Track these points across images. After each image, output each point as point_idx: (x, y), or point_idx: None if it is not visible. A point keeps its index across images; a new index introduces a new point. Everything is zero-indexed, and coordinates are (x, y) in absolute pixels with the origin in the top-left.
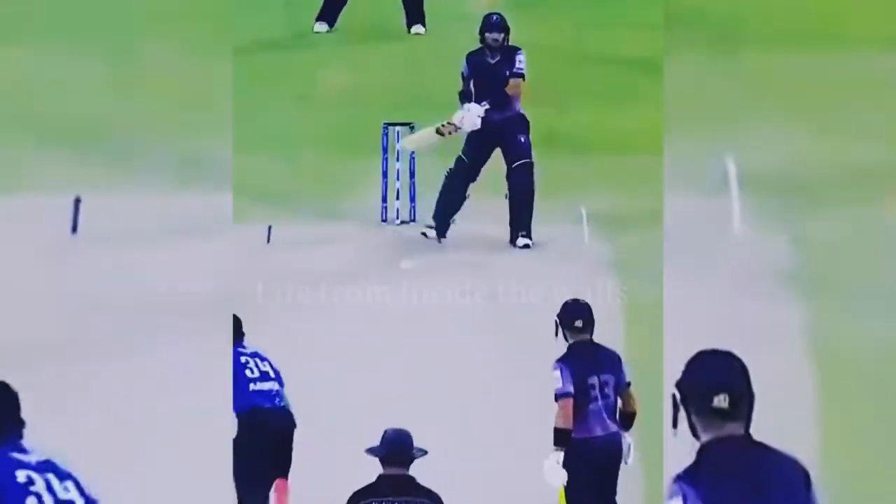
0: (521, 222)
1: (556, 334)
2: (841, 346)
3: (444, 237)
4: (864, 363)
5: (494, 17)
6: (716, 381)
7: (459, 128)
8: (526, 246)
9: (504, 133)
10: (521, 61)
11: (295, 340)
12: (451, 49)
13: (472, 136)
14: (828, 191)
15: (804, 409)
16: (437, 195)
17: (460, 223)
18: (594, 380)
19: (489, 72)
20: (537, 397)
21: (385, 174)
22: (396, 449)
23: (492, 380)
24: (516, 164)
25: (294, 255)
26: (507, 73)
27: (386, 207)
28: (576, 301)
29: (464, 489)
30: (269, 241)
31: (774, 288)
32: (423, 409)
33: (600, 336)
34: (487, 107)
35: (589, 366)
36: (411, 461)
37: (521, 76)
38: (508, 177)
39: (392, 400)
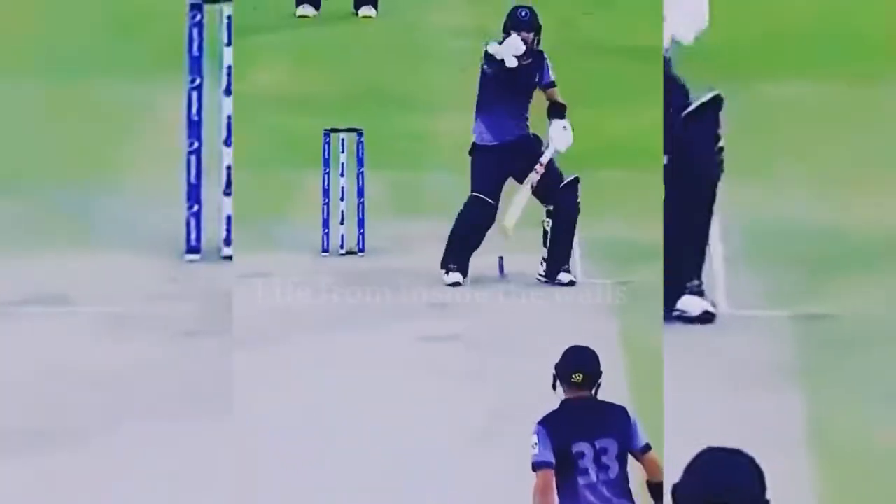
0: (562, 254)
1: (554, 388)
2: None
3: (467, 276)
4: (870, 459)
5: (524, 13)
6: (721, 486)
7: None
8: (571, 283)
9: (524, 153)
10: (550, 68)
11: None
12: (408, 35)
13: (483, 164)
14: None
15: None
16: (391, 218)
17: (415, 255)
18: (583, 447)
19: (511, 77)
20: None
21: (327, 193)
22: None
23: (464, 444)
24: (565, 181)
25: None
26: (537, 80)
27: (328, 234)
28: (577, 349)
29: None
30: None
31: (770, 376)
32: (384, 472)
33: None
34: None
35: (577, 429)
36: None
37: (554, 83)
38: (555, 198)
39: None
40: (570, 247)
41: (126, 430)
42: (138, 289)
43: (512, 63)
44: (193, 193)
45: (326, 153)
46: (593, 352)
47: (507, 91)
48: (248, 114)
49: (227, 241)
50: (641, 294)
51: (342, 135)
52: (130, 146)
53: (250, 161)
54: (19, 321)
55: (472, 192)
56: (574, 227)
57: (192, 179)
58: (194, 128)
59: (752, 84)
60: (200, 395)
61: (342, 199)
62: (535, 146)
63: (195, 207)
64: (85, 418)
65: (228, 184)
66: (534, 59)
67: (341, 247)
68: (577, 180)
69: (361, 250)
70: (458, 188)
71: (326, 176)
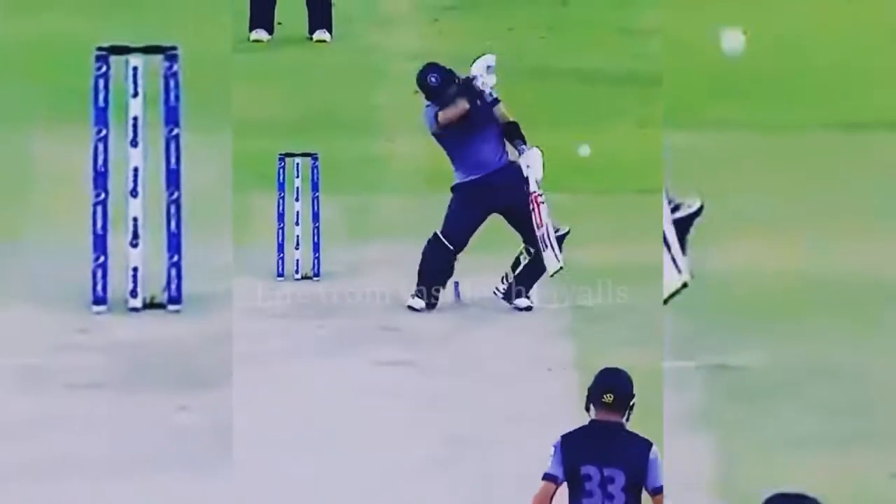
0: (528, 285)
1: (587, 409)
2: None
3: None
4: None
5: (433, 79)
6: None
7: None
8: (529, 308)
9: (505, 188)
10: (483, 83)
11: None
12: (362, 59)
13: (458, 205)
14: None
15: None
16: (347, 242)
17: (370, 279)
18: (591, 470)
19: (481, 109)
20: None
21: (281, 217)
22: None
23: (419, 468)
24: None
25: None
26: (481, 102)
27: (283, 259)
28: (610, 371)
29: None
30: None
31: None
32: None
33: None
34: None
35: (590, 452)
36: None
37: (498, 100)
38: (528, 241)
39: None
40: (536, 282)
41: (35, 480)
42: (46, 340)
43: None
44: (100, 244)
45: (281, 177)
46: (626, 374)
47: (475, 126)
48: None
49: (133, 293)
50: (598, 316)
51: (297, 159)
52: (35, 198)
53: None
54: None
55: (439, 230)
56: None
57: (99, 230)
58: (100, 179)
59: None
60: (128, 444)
61: (297, 224)
62: (518, 173)
63: (101, 259)
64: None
65: (135, 235)
66: (460, 89)
67: (296, 271)
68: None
69: (317, 275)
70: (412, 211)
71: (281, 200)
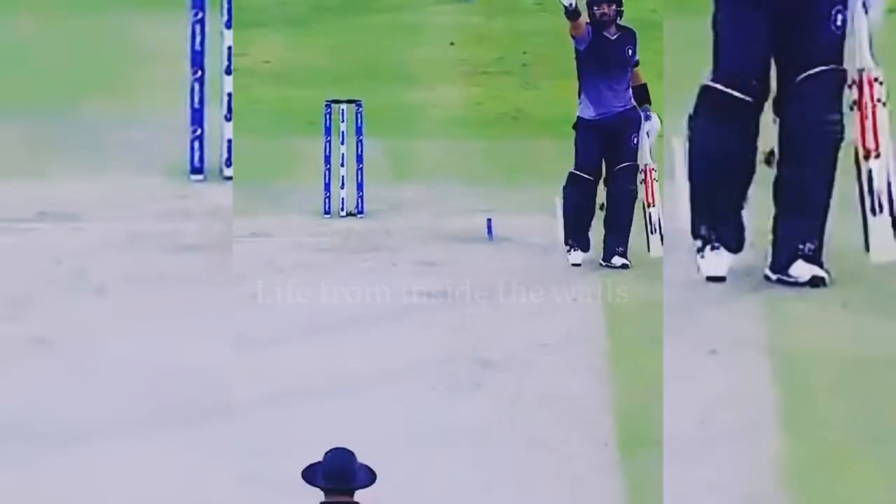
0: (619, 236)
1: None
2: None
3: (589, 251)
4: None
5: None
6: None
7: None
8: (625, 266)
9: (618, 131)
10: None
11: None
12: (402, 15)
13: (583, 140)
14: None
15: None
16: (388, 182)
17: (409, 217)
18: None
19: (609, 50)
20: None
21: (328, 159)
22: (337, 477)
23: (448, 387)
24: (619, 166)
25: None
26: (631, 56)
27: (329, 197)
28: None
29: None
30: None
31: None
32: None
33: (573, 347)
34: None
35: None
36: (354, 489)
37: (637, 62)
38: (608, 180)
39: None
40: (626, 231)
41: (135, 334)
42: (149, 206)
43: (569, 2)
44: (197, 118)
45: (328, 123)
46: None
47: (602, 66)
48: (251, 87)
49: (228, 163)
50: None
51: (342, 106)
52: (139, 76)
53: (256, 130)
54: (36, 235)
55: (573, 168)
56: (630, 212)
57: (196, 105)
58: (197, 57)
59: None
60: (203, 304)
61: (342, 165)
62: (634, 120)
63: (198, 131)
64: (98, 325)
65: (229, 109)
66: (623, 34)
67: (342, 209)
68: (635, 168)
69: (361, 212)
70: (448, 154)
71: (328, 144)
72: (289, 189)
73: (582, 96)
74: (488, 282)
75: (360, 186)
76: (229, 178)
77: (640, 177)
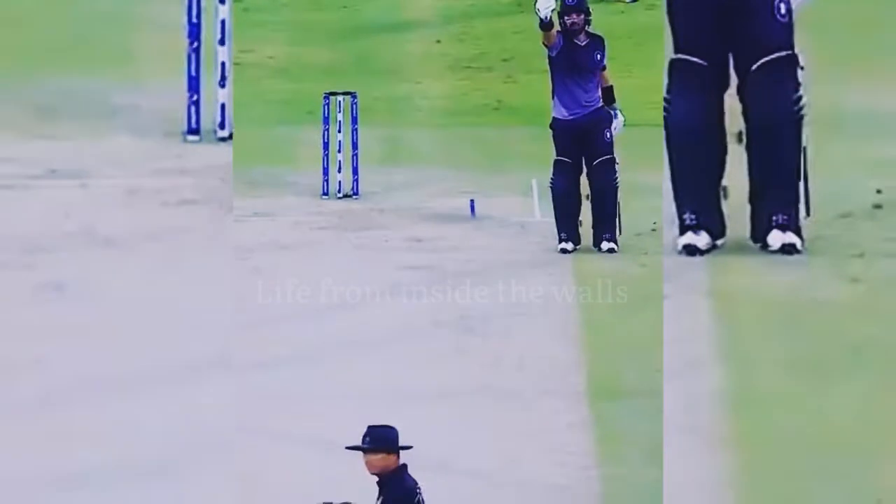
0: (605, 224)
1: None
2: None
3: (579, 243)
4: None
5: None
6: None
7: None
8: (611, 250)
9: (591, 129)
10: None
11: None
12: (391, 13)
13: (560, 137)
14: None
15: None
16: (380, 166)
17: (400, 198)
18: None
19: (579, 57)
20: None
21: (326, 146)
22: (382, 442)
23: (435, 349)
24: (598, 160)
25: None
26: (599, 61)
27: (327, 181)
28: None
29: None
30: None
31: None
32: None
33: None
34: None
35: None
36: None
37: (605, 67)
38: (590, 175)
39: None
40: (612, 219)
41: (140, 280)
42: (148, 164)
43: (543, 16)
44: (193, 84)
45: (326, 113)
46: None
47: (572, 70)
48: (258, 80)
49: (222, 125)
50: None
51: (339, 97)
52: (142, 46)
53: (261, 120)
54: (47, 191)
55: (555, 157)
56: (613, 202)
57: (193, 73)
58: (194, 30)
59: None
60: (200, 254)
61: (339, 151)
62: (604, 117)
63: (195, 97)
64: (106, 273)
65: (223, 77)
66: (591, 40)
67: (339, 191)
68: (612, 160)
69: (356, 194)
70: (435, 141)
71: (326, 132)
72: (290, 173)
73: (555, 98)
74: (471, 257)
75: (355, 170)
76: (222, 139)
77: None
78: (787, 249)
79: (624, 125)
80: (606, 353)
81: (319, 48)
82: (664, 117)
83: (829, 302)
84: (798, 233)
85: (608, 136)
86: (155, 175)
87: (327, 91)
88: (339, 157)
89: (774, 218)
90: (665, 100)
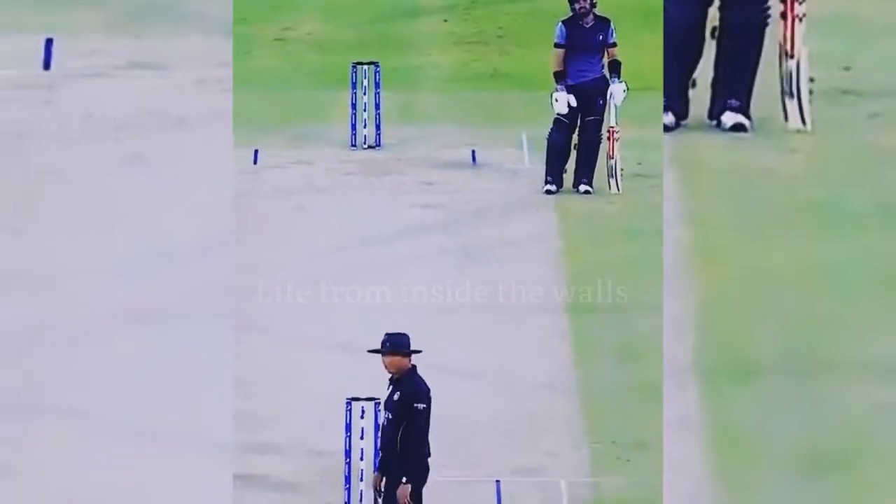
0: (585, 170)
1: None
2: None
3: (561, 187)
4: None
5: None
6: None
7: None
8: (587, 192)
9: (590, 93)
10: (614, 31)
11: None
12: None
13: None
14: None
15: None
16: (398, 123)
17: (414, 150)
18: None
19: (585, 37)
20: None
21: (354, 106)
22: (398, 346)
23: (440, 277)
24: (589, 118)
25: (277, 174)
26: (602, 40)
27: (355, 135)
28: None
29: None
30: (255, 162)
31: None
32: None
33: (537, 258)
34: (573, 104)
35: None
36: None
37: (615, 44)
38: (580, 129)
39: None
40: (591, 167)
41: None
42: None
43: (556, 111)
44: None
45: (353, 79)
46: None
47: (578, 49)
48: (298, 53)
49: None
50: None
51: (364, 66)
52: None
53: (301, 85)
54: (128, 81)
55: (555, 115)
56: (592, 153)
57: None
58: None
59: None
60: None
61: (364, 111)
62: (602, 87)
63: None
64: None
65: None
66: (597, 22)
67: (364, 143)
68: (599, 121)
69: (378, 145)
70: (444, 104)
71: (353, 95)
72: (324, 128)
73: (565, 69)
74: (473, 197)
75: (377, 126)
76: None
77: (605, 133)
78: (737, 128)
79: (625, 92)
80: (584, 275)
81: (348, 27)
82: (664, 28)
83: (771, 169)
84: (747, 115)
85: (601, 102)
86: (219, 66)
87: (355, 61)
88: (365, 115)
89: (729, 101)
90: (664, 10)
